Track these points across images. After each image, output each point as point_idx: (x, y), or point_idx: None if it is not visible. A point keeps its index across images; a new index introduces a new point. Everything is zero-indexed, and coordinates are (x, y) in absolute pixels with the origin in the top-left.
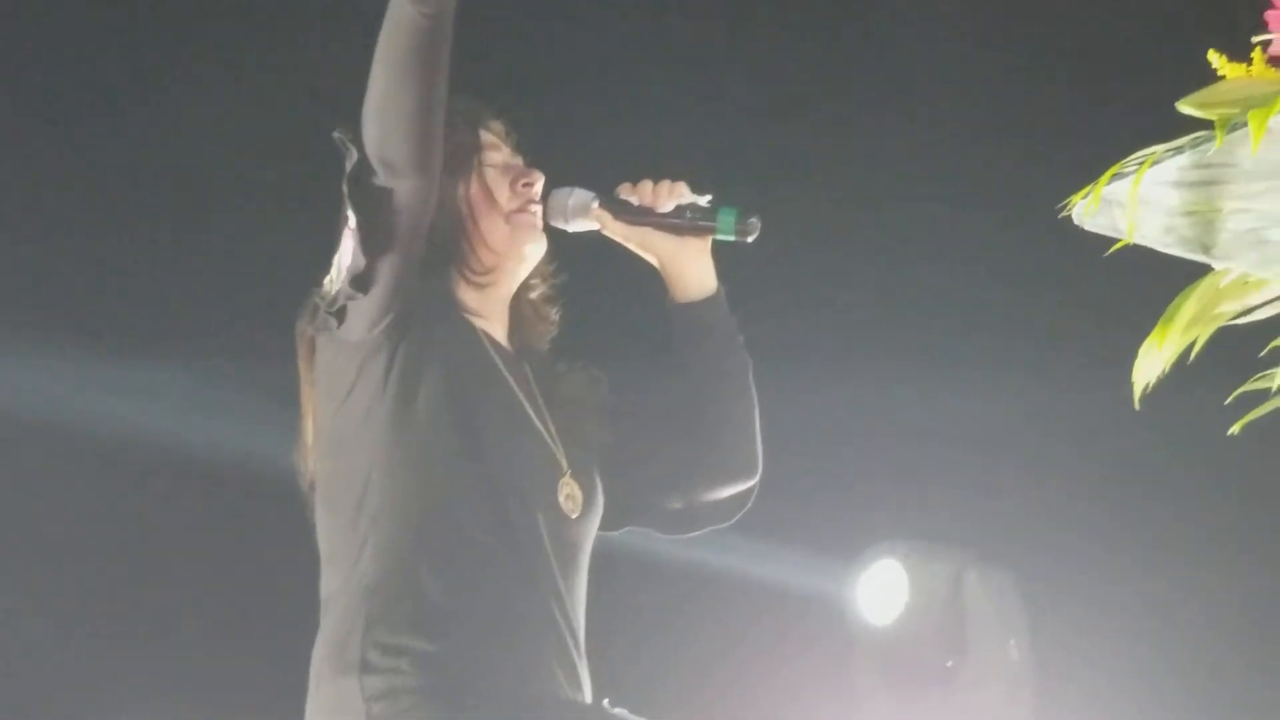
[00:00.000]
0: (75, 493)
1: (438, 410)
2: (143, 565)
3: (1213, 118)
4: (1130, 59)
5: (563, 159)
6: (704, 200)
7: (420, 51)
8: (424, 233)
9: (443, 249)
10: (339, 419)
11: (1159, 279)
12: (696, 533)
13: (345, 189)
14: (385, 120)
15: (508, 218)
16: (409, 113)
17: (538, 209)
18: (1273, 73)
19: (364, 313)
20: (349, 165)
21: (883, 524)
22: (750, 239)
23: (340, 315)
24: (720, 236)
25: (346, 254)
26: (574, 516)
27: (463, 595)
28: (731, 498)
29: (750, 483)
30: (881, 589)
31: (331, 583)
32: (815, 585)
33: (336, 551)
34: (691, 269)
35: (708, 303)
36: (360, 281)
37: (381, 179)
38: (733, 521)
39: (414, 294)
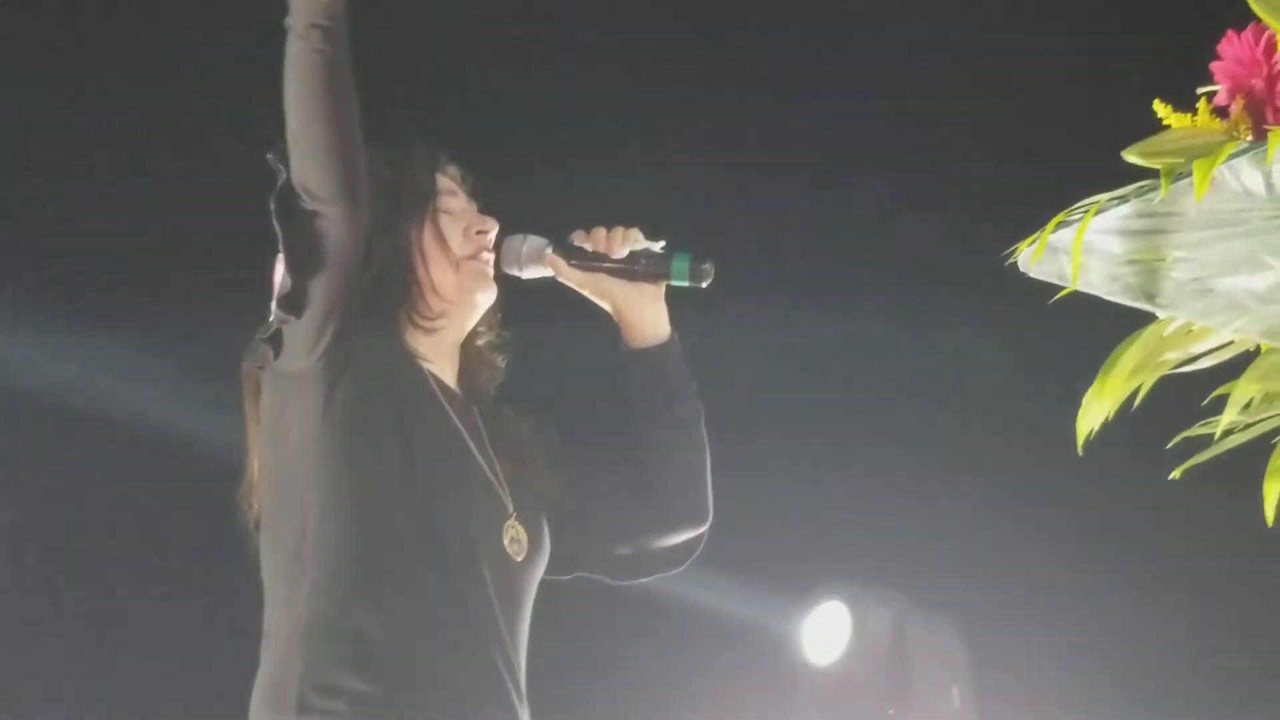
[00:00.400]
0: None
1: (380, 449)
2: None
3: (1157, 166)
4: (1076, 107)
5: (516, 205)
6: (658, 246)
7: (320, 87)
8: (357, 262)
9: (393, 293)
10: (281, 455)
11: (1104, 326)
12: (646, 579)
13: (272, 208)
14: (300, 152)
15: (459, 264)
16: (321, 145)
17: (490, 256)
18: (1217, 123)
19: (299, 338)
20: (278, 185)
21: (829, 565)
22: (704, 284)
23: (276, 344)
24: (674, 282)
25: (277, 277)
26: (519, 560)
27: (403, 637)
28: (681, 544)
29: (700, 530)
30: (826, 630)
31: (271, 619)
32: (762, 624)
33: (277, 588)
34: (645, 315)
35: (661, 349)
36: (289, 303)
37: (309, 205)
38: (682, 568)
39: (351, 322)
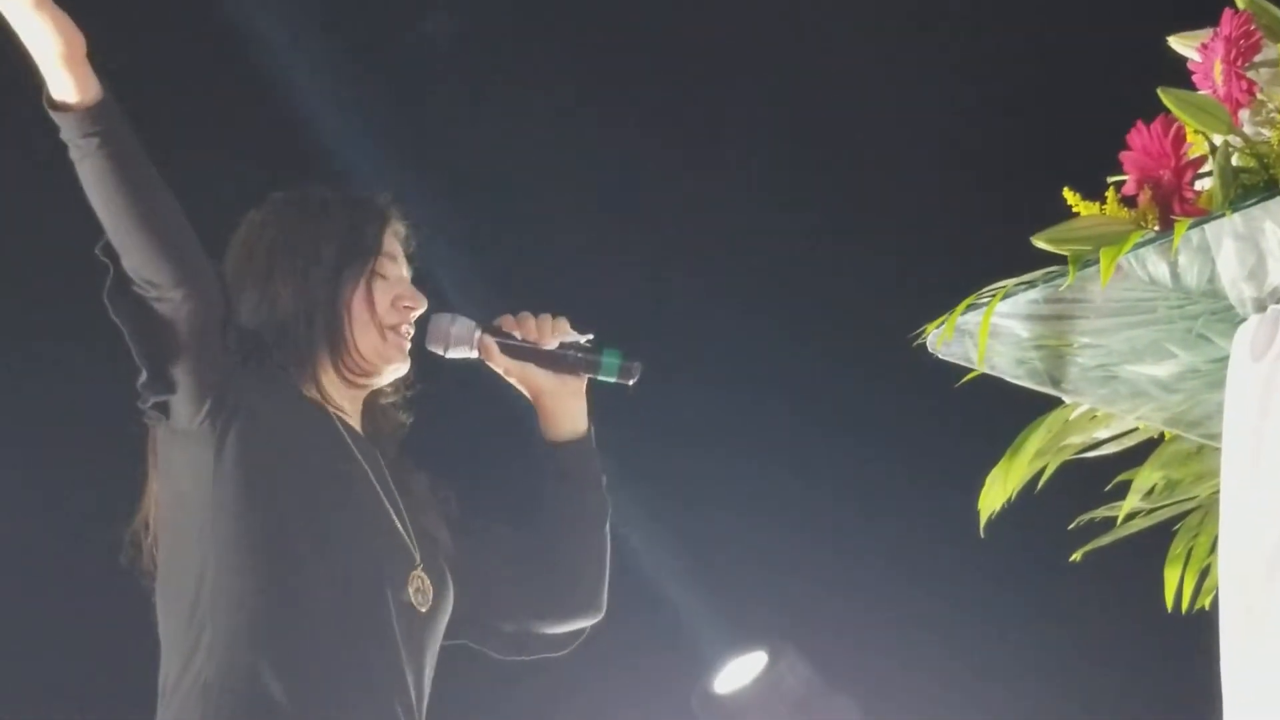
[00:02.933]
0: None
1: (277, 498)
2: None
3: (1065, 253)
4: (986, 192)
5: (445, 281)
6: (585, 339)
7: (120, 188)
8: (216, 333)
9: (315, 336)
10: (177, 507)
11: (1010, 408)
12: (528, 659)
13: (108, 303)
14: (128, 251)
15: (383, 332)
16: (144, 241)
17: (409, 330)
18: (1125, 212)
19: (181, 406)
20: (109, 280)
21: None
22: (632, 382)
23: (163, 410)
24: (602, 377)
25: None
26: (423, 610)
27: (305, 692)
28: (569, 633)
29: (592, 621)
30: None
31: (169, 673)
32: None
33: (174, 643)
34: (566, 408)
35: (576, 444)
36: (156, 388)
37: (149, 293)
38: (566, 652)
39: (229, 383)
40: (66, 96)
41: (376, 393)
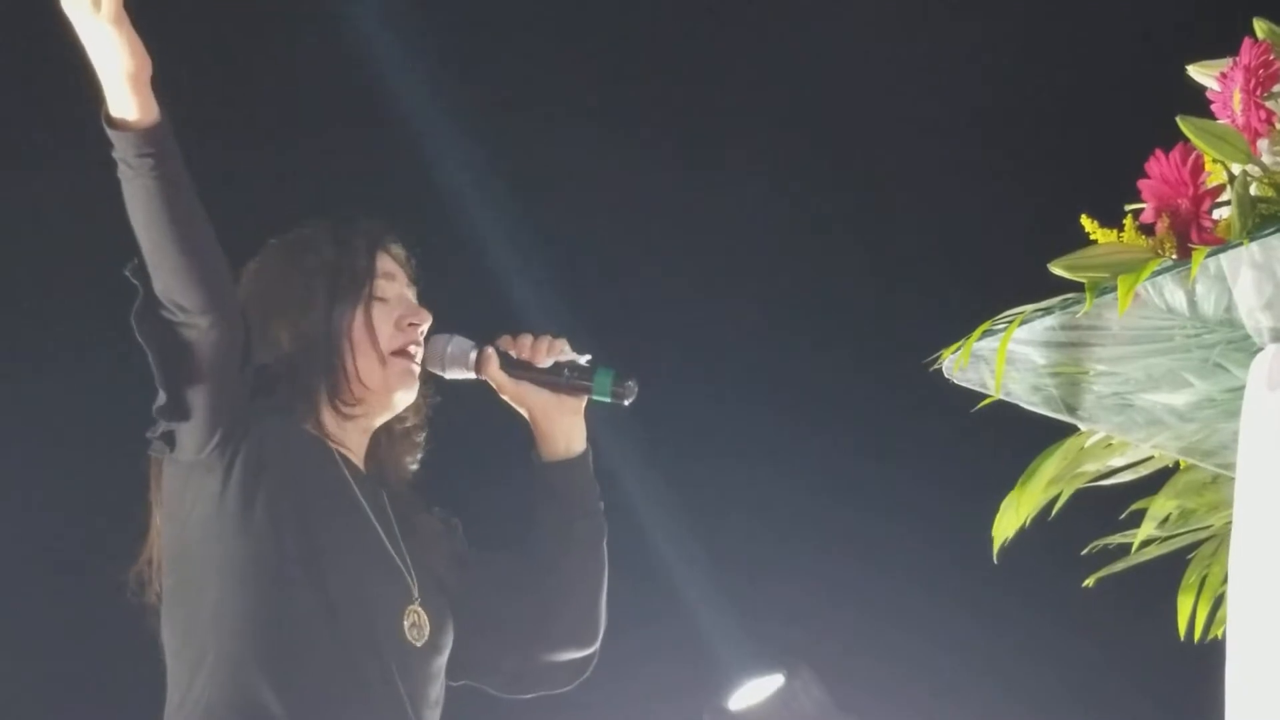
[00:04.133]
0: None
1: (278, 527)
2: None
3: (1083, 280)
4: (1004, 218)
5: (446, 302)
6: (584, 359)
7: (164, 212)
8: (235, 366)
9: (315, 373)
10: (182, 537)
11: (1026, 434)
12: (529, 697)
13: (134, 325)
14: (162, 273)
15: (385, 359)
16: (180, 265)
17: (418, 351)
18: (1142, 240)
19: (189, 437)
20: (137, 302)
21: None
22: (627, 402)
23: (170, 441)
24: (596, 397)
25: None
26: (418, 645)
27: (305, 715)
28: (569, 663)
29: (588, 651)
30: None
31: (173, 700)
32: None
33: (178, 669)
34: (562, 427)
35: (572, 464)
36: (171, 413)
37: (177, 317)
38: (569, 688)
39: (242, 414)
40: (127, 115)
41: (396, 419)
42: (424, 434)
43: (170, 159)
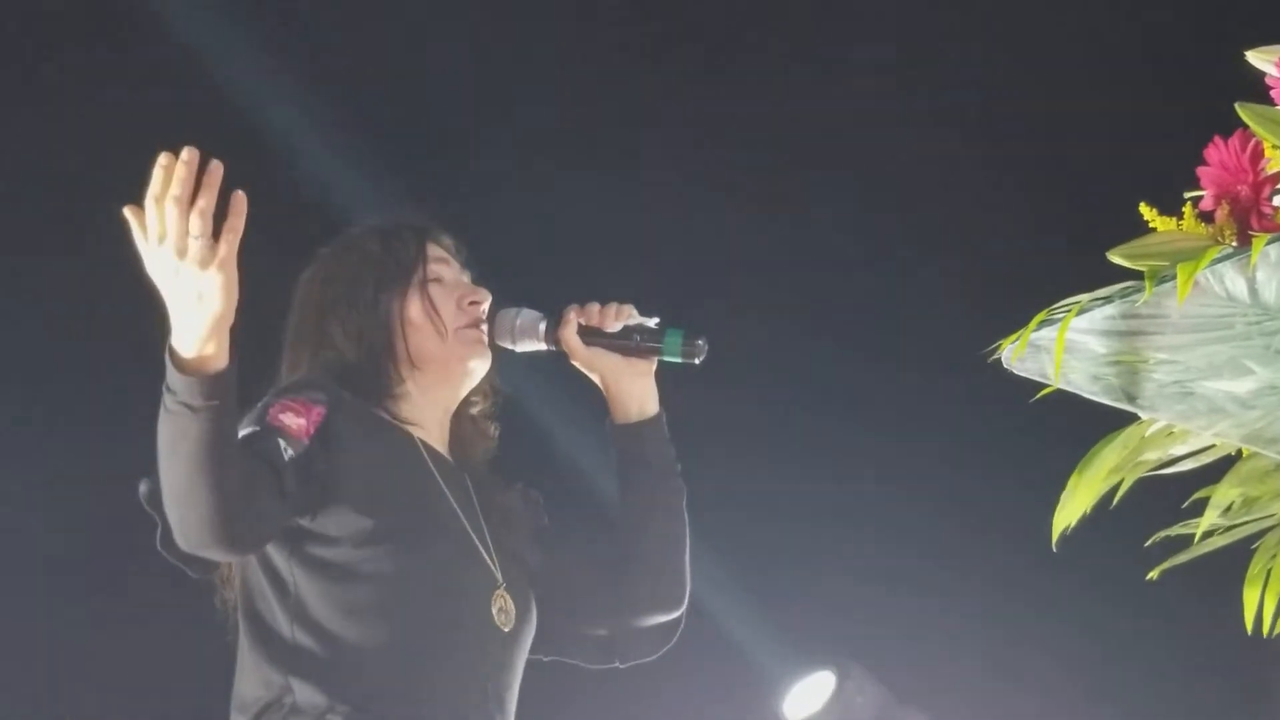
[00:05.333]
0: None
1: (359, 520)
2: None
3: (1142, 269)
4: (1063, 207)
5: (511, 278)
6: (651, 322)
7: (208, 460)
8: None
9: (373, 360)
10: None
11: (1088, 423)
12: (622, 665)
13: (161, 549)
14: (184, 515)
15: (453, 334)
16: (207, 509)
17: (484, 327)
18: (1202, 227)
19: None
20: (159, 531)
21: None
22: (697, 361)
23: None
24: (666, 358)
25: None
26: (506, 630)
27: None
28: (657, 628)
29: (675, 614)
30: (810, 695)
31: (247, 695)
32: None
33: (258, 667)
34: (633, 390)
35: (645, 425)
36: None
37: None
38: (658, 655)
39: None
40: (204, 358)
41: (465, 403)
42: (495, 425)
43: (229, 407)
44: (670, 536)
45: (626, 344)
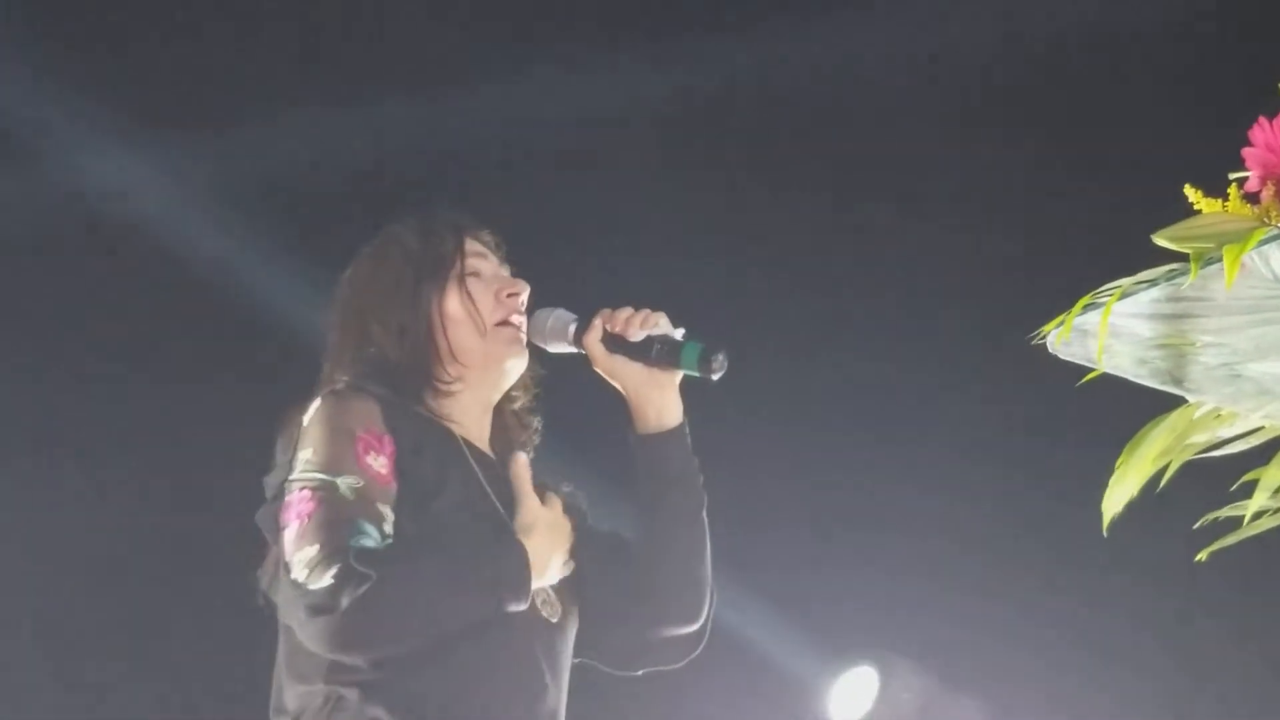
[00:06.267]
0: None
1: (408, 521)
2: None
3: (1187, 251)
4: (1108, 190)
5: (550, 281)
6: (679, 333)
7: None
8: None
9: (413, 355)
10: None
11: (1135, 407)
12: (643, 671)
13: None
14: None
15: (487, 330)
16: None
17: (521, 320)
18: (1248, 209)
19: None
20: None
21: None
22: (715, 376)
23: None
24: (684, 371)
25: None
26: (554, 621)
27: (453, 705)
28: (676, 639)
29: (694, 626)
30: (853, 695)
31: (292, 699)
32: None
33: (303, 670)
34: (654, 400)
35: (666, 436)
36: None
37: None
38: (680, 665)
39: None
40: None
41: (506, 399)
42: (537, 419)
43: None
44: (690, 548)
45: (646, 354)
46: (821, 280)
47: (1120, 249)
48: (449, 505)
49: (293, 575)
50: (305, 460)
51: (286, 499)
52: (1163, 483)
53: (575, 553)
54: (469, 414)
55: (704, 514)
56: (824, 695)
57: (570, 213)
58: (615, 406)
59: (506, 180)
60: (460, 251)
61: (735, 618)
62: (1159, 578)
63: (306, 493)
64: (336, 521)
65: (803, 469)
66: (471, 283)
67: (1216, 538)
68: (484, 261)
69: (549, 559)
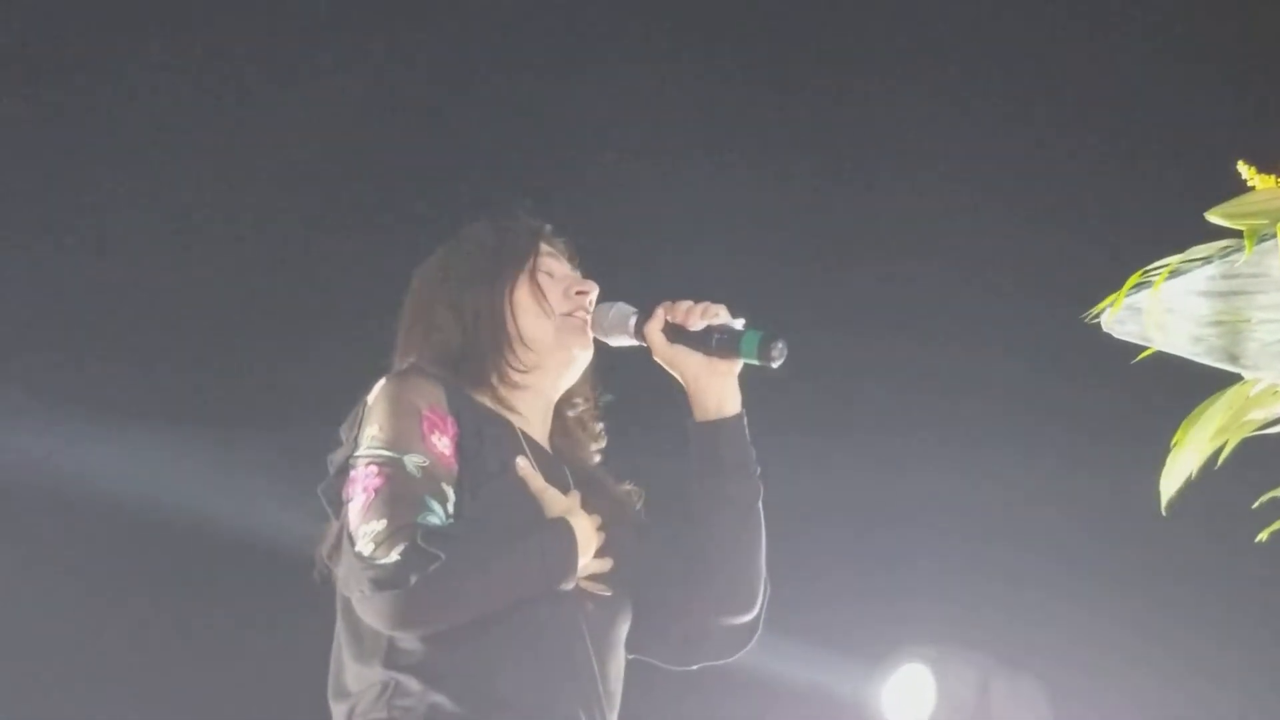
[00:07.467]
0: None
1: (464, 499)
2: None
3: (1241, 228)
4: (1162, 167)
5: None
6: (738, 323)
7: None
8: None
9: (484, 348)
10: None
11: (1190, 386)
12: (697, 665)
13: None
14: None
15: (559, 321)
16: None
17: (588, 316)
18: None
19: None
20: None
21: (911, 628)
22: (775, 364)
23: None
24: (744, 359)
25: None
26: (607, 595)
27: (506, 684)
28: (732, 630)
29: (747, 616)
30: (908, 694)
31: (351, 679)
32: (843, 687)
33: (363, 655)
34: (713, 389)
35: (725, 424)
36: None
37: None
38: (734, 658)
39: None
40: None
41: (566, 404)
42: (600, 425)
43: None
44: (742, 536)
45: (706, 343)
46: (873, 270)
47: (1174, 226)
48: (504, 488)
49: (357, 548)
50: (371, 436)
51: (351, 474)
52: (1220, 460)
53: (626, 544)
54: (532, 408)
55: (760, 504)
56: (876, 699)
57: (626, 211)
58: (668, 400)
59: (564, 181)
60: (535, 250)
61: (777, 621)
62: (1215, 559)
63: (374, 468)
64: (404, 498)
65: (847, 462)
66: (543, 278)
67: (1277, 518)
68: (557, 263)
69: (591, 541)
